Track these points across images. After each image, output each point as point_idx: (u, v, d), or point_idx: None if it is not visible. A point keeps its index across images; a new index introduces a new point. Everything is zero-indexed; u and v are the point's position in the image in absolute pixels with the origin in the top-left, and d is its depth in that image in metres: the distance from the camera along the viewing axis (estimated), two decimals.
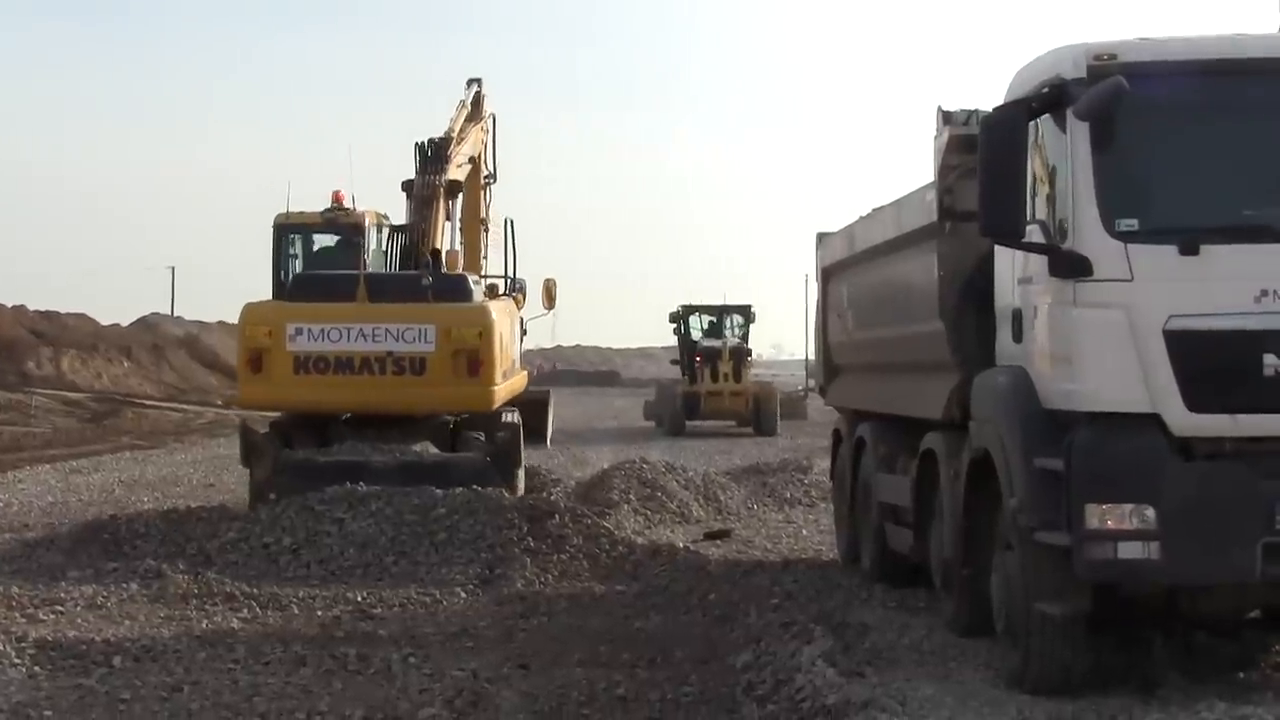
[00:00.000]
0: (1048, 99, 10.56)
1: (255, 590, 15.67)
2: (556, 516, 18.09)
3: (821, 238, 18.47)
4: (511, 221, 25.39)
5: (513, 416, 21.76)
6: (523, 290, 25.03)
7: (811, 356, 57.49)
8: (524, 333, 24.77)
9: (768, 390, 44.08)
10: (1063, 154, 10.47)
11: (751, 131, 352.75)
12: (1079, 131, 10.27)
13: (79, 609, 14.64)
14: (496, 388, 20.70)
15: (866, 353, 16.10)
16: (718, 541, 19.80)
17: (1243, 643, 12.11)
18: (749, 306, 47.68)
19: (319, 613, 14.84)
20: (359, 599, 15.43)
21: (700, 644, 13.36)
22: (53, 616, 14.20)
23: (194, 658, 12.71)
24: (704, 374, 43.00)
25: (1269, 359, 10.00)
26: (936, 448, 13.10)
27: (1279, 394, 10.02)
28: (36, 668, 12.25)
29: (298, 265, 26.65)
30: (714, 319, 47.32)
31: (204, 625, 14.16)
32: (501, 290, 24.45)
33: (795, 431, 41.28)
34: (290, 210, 27.24)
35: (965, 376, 12.34)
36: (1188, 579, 10.23)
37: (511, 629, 14.12)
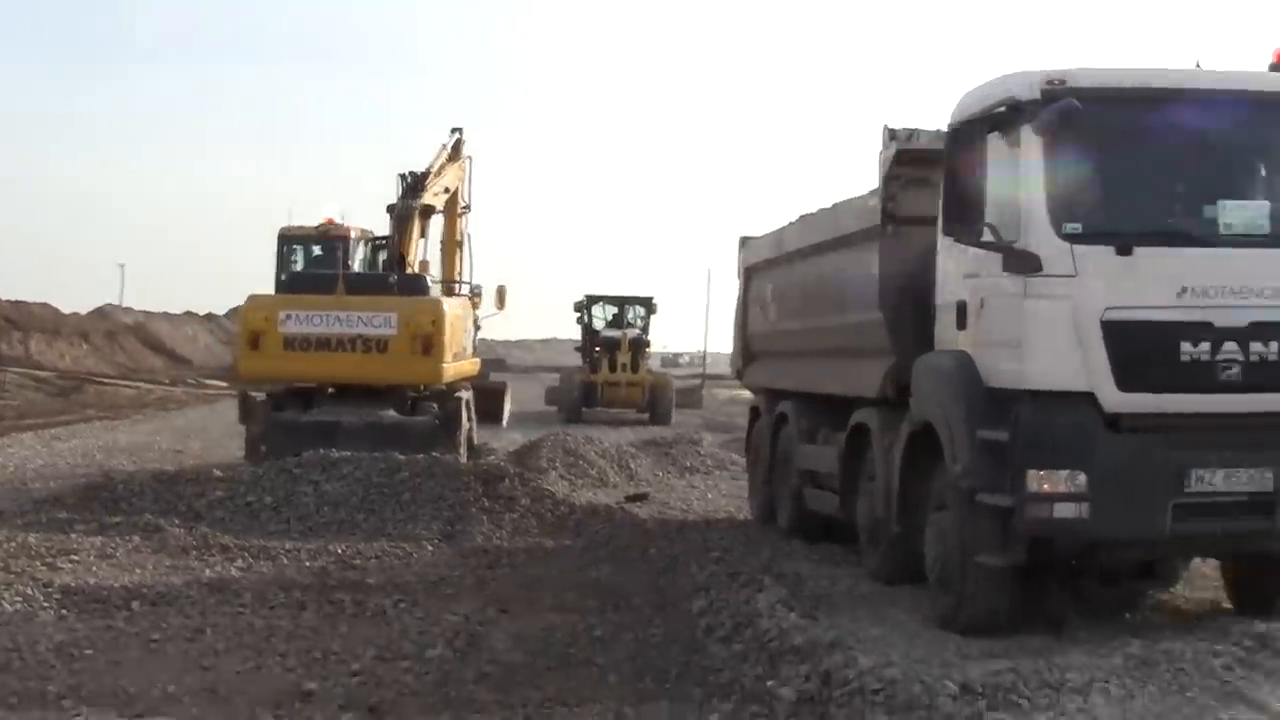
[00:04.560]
0: (1003, 117, 10.30)
1: (246, 543, 15.00)
2: (506, 480, 17.66)
3: (745, 240, 18.12)
4: (469, 236, 26.57)
5: (462, 393, 22.25)
6: (479, 293, 25.65)
7: (711, 349, 57.10)
8: (478, 328, 25.23)
9: (664, 380, 40.77)
10: (1013, 165, 10.23)
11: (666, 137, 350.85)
12: (1032, 145, 10.08)
13: (92, 558, 13.89)
14: (446, 365, 21.37)
15: (792, 340, 15.73)
16: (638, 503, 19.32)
17: (1121, 589, 12.03)
18: (651, 299, 43.63)
19: (307, 563, 14.24)
20: (340, 551, 14.81)
21: (652, 592, 12.92)
22: (70, 565, 13.46)
23: (206, 602, 12.12)
24: (603, 363, 39.53)
25: (1185, 347, 9.94)
26: (869, 422, 12.83)
27: (1194, 377, 9.96)
28: (64, 611, 11.64)
29: (297, 268, 28.37)
30: (617, 310, 43.65)
31: (207, 574, 13.50)
32: (460, 293, 25.05)
33: (689, 422, 38.42)
34: (291, 224, 29.59)
35: (899, 360, 12.14)
36: (1112, 535, 10.07)
37: (483, 578, 13.58)
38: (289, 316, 20.83)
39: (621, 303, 43.53)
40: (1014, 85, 10.36)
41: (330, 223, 28.44)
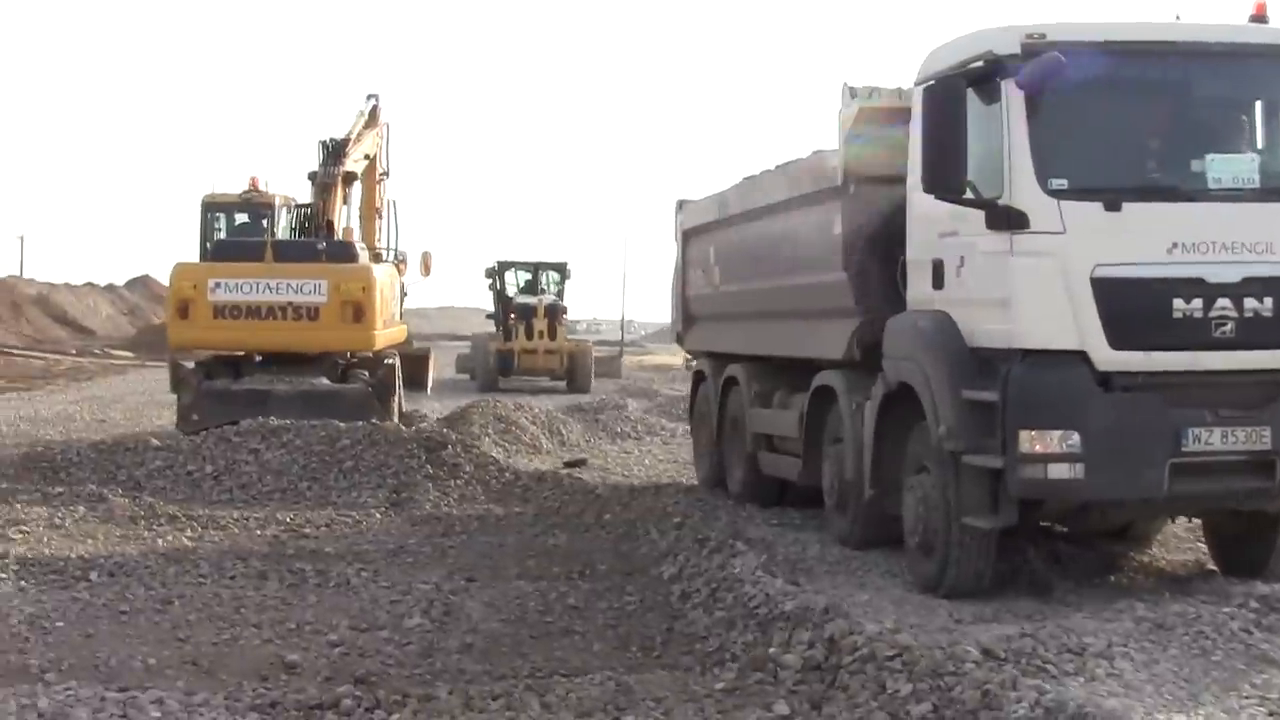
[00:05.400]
0: (981, 72, 9.92)
1: (191, 512, 14.47)
2: (449, 447, 17.10)
3: (682, 204, 17.66)
4: (394, 203, 25.86)
5: (392, 360, 21.62)
6: (404, 260, 25.12)
7: (628, 317, 55.01)
8: (404, 295, 24.71)
9: (583, 348, 38.64)
10: (995, 121, 9.86)
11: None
12: (1015, 101, 9.75)
13: (41, 529, 13.27)
14: (377, 333, 20.84)
15: (741, 302, 15.28)
16: (577, 469, 18.86)
17: (1096, 550, 11.84)
18: (565, 264, 41.49)
19: (258, 532, 13.69)
20: (288, 520, 14.27)
21: (615, 558, 12.48)
22: (20, 535, 12.85)
23: (165, 573, 11.57)
24: (519, 331, 37.56)
25: (1178, 303, 9.65)
26: (834, 384, 12.42)
27: (1186, 334, 9.67)
28: (22, 582, 11.08)
29: (221, 235, 27.45)
30: (530, 275, 41.46)
31: (159, 543, 12.91)
32: (386, 260, 24.40)
33: (607, 390, 36.14)
34: (215, 192, 28.55)
35: (865, 320, 11.78)
36: (1107, 495, 9.80)
37: (441, 547, 13.03)
38: (218, 285, 20.13)
39: (535, 268, 41.65)
40: (992, 40, 10.03)
41: (254, 188, 27.71)
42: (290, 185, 30.12)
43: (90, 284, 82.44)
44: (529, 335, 37.57)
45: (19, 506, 14.26)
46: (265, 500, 15.58)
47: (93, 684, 7.92)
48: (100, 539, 13.02)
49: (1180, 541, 12.44)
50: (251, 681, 8.30)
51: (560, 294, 40.57)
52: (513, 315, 38.04)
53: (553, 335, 37.75)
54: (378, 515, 14.78)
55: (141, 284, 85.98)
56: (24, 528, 13.12)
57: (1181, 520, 11.86)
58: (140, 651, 9.02)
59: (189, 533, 13.52)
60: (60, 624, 9.69)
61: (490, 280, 41.06)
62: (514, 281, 41.28)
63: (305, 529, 13.86)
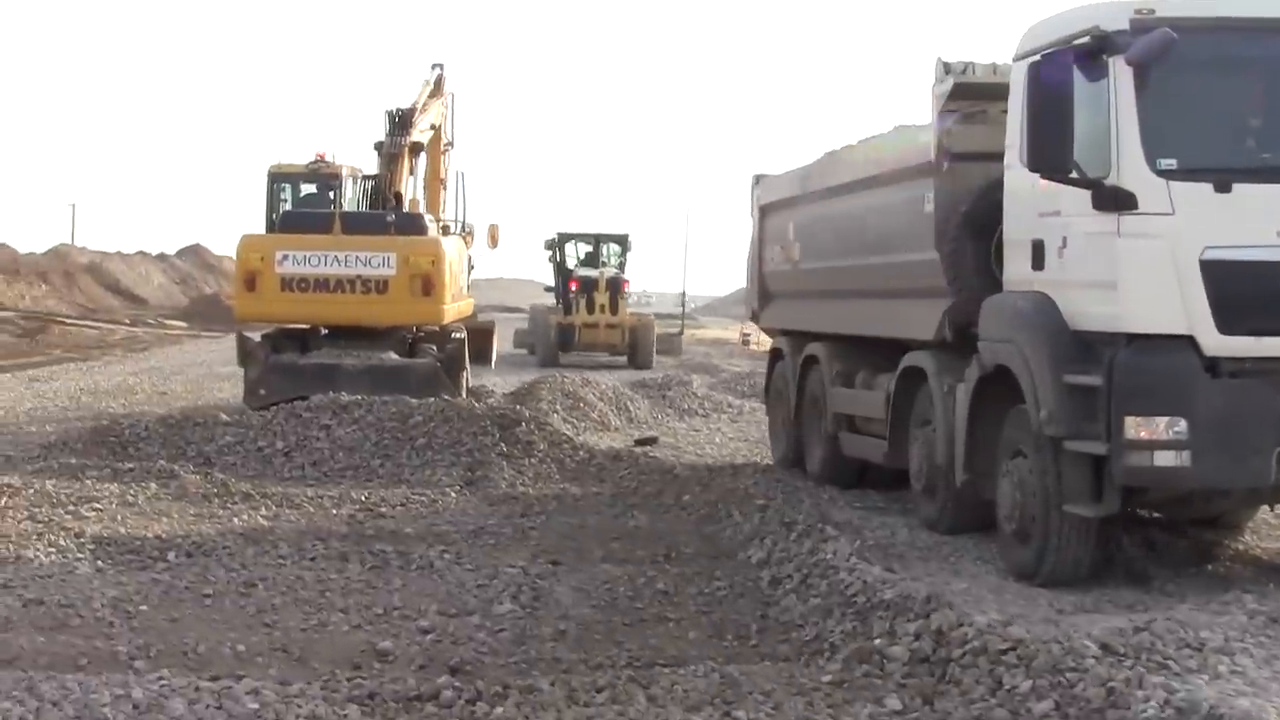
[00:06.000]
0: (1088, 48, 9.72)
1: (265, 489, 14.38)
2: (523, 424, 16.99)
3: (759, 178, 17.51)
4: (462, 174, 25.61)
5: (460, 334, 21.61)
6: (471, 232, 24.98)
7: (689, 292, 53.41)
8: (472, 267, 24.68)
9: (645, 322, 37.26)
10: (1101, 99, 9.67)
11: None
12: (1124, 77, 9.56)
13: (115, 506, 13.18)
14: (446, 306, 20.79)
15: (823, 279, 15.14)
16: (648, 447, 18.77)
17: (1189, 538, 11.69)
18: (626, 236, 40.26)
19: (334, 511, 13.61)
20: (363, 498, 14.20)
21: (699, 540, 12.37)
22: (94, 513, 12.76)
23: (244, 553, 11.50)
24: (579, 304, 36.46)
25: None
26: (925, 365, 12.27)
27: None
28: (99, 562, 11.03)
29: (287, 207, 27.28)
30: (591, 248, 40.21)
31: (235, 522, 12.84)
32: (454, 232, 24.23)
33: (667, 366, 35.37)
34: (281, 163, 28.54)
35: (958, 301, 11.64)
36: (1214, 483, 9.64)
37: (521, 528, 12.94)
38: (286, 257, 20.03)
39: (596, 240, 40.61)
40: (1100, 15, 9.84)
41: (321, 159, 27.61)
42: (355, 156, 30.34)
43: (142, 253, 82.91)
44: (590, 309, 36.60)
45: (90, 483, 14.23)
46: (338, 478, 15.52)
47: (184, 673, 7.86)
48: (175, 517, 12.97)
49: (1272, 529, 12.27)
50: (345, 670, 8.22)
51: (621, 267, 39.57)
52: (574, 288, 37.12)
53: (614, 309, 36.70)
54: (453, 494, 14.69)
55: (193, 253, 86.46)
56: (97, 505, 13.06)
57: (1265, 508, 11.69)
58: (229, 637, 8.94)
59: (264, 511, 13.47)
60: (144, 608, 9.62)
61: (550, 252, 40.00)
62: (574, 254, 40.34)
63: (381, 508, 13.79)
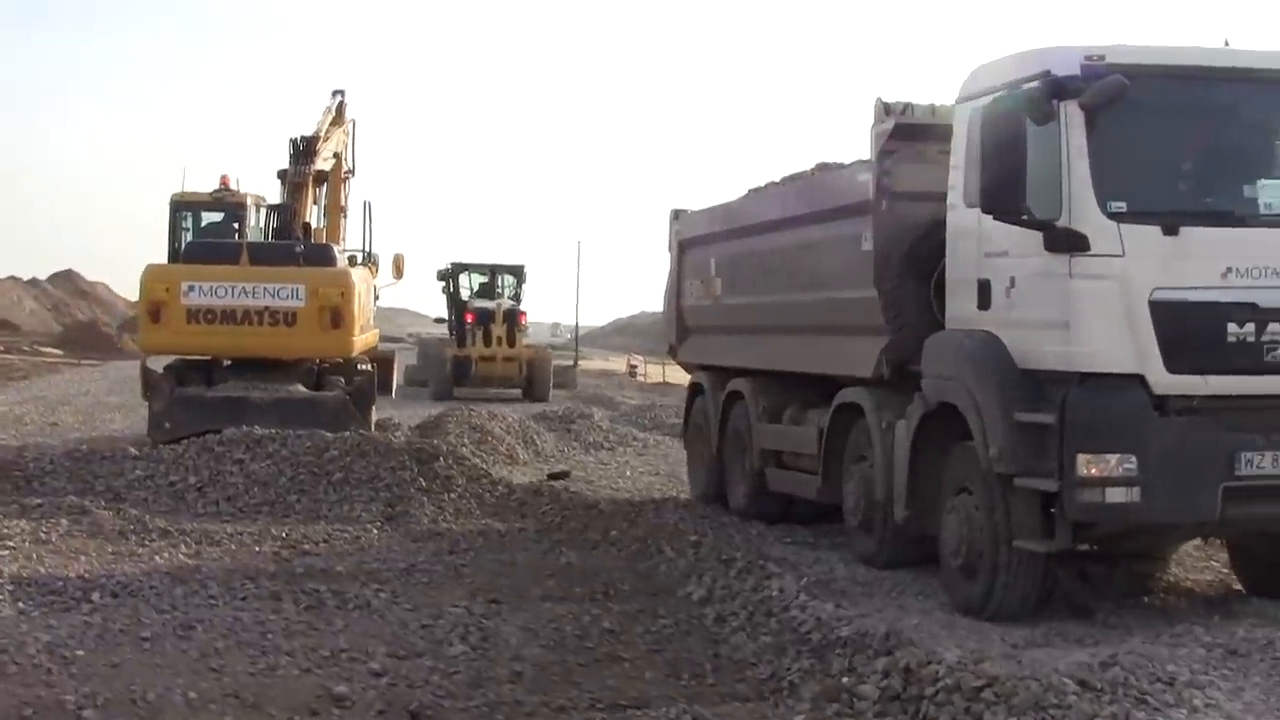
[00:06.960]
0: (1039, 92, 9.89)
1: (181, 526, 14.17)
2: (441, 459, 16.92)
3: (678, 213, 17.60)
4: (369, 204, 25.51)
5: (366, 366, 21.65)
6: (376, 262, 24.91)
7: (557, 320, 53.26)
8: (376, 298, 24.47)
9: (542, 355, 37.36)
10: (1053, 142, 9.87)
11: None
12: (1075, 121, 9.78)
13: (28, 544, 12.89)
14: (355, 338, 20.72)
15: (749, 315, 15.25)
16: (561, 481, 18.74)
17: (1119, 570, 11.91)
18: (522, 267, 39.91)
19: (255, 548, 13.43)
20: (284, 535, 14.05)
21: (635, 578, 12.35)
22: (8, 551, 12.47)
23: (173, 593, 11.23)
24: (476, 336, 35.98)
25: (1231, 328, 9.75)
26: (862, 401, 12.38)
27: (1240, 358, 9.77)
28: (20, 604, 10.70)
29: (189, 236, 26.79)
30: (486, 279, 39.71)
31: (157, 560, 12.61)
32: (359, 262, 24.09)
33: (562, 399, 35.13)
34: (185, 190, 27.81)
35: (896, 338, 11.77)
36: (1164, 518, 9.86)
37: (453, 565, 12.82)
38: (192, 288, 19.88)
39: (492, 271, 40.16)
40: (1051, 60, 10.04)
41: (225, 186, 27.34)
42: (257, 184, 30.01)
43: (13, 278, 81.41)
44: (487, 341, 36.29)
45: None
46: (254, 513, 15.34)
47: None
48: (93, 555, 12.70)
49: (1195, 560, 12.54)
50: (303, 716, 8.14)
51: (517, 298, 39.26)
52: (469, 319, 36.68)
53: (511, 342, 36.51)
54: (375, 530, 14.60)
55: (65, 278, 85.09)
56: (10, 543, 12.74)
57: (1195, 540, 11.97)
58: (176, 684, 8.70)
59: (184, 549, 13.25)
60: (80, 652, 9.34)
61: (444, 283, 39.59)
62: (467, 284, 39.88)
63: (304, 545, 13.63)
